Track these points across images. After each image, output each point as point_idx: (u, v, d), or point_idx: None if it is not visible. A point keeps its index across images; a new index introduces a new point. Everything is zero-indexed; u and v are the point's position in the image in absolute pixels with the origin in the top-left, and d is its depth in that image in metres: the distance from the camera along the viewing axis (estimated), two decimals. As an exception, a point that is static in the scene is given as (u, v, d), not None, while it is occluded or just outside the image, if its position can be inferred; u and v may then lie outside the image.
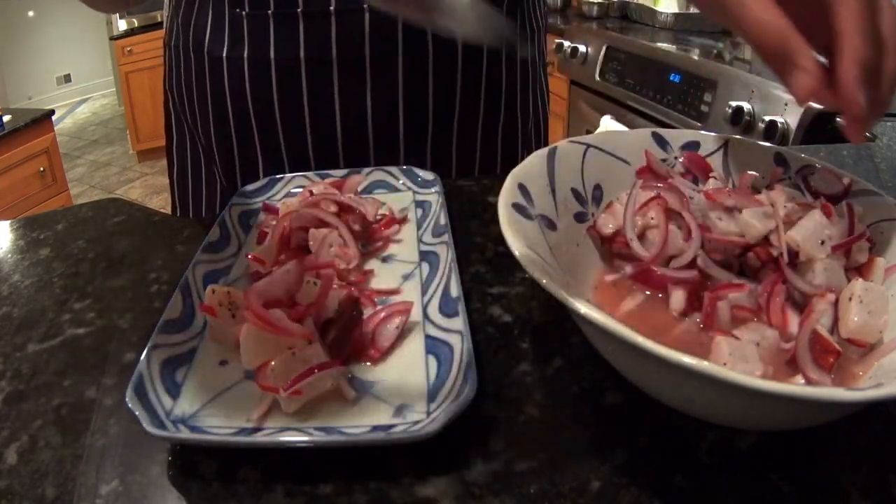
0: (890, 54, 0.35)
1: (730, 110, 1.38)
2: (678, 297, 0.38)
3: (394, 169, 0.59)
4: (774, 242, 0.38)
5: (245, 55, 0.62)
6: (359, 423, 0.33)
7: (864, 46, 0.34)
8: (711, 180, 0.44)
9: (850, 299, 0.35)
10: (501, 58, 0.68)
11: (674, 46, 1.71)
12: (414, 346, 0.39)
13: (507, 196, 0.38)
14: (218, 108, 0.65)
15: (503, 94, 0.70)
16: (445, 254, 0.45)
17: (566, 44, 2.02)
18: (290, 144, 0.65)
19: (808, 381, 0.33)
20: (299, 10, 0.59)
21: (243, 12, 0.61)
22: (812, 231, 0.37)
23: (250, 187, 0.56)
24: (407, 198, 0.56)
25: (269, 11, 0.60)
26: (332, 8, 0.59)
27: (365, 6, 0.59)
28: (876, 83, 0.35)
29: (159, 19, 3.80)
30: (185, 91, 0.68)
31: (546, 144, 0.80)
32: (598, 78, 1.89)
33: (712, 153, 0.46)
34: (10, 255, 0.53)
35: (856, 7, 0.35)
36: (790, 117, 1.28)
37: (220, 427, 0.33)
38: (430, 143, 0.67)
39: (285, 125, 0.64)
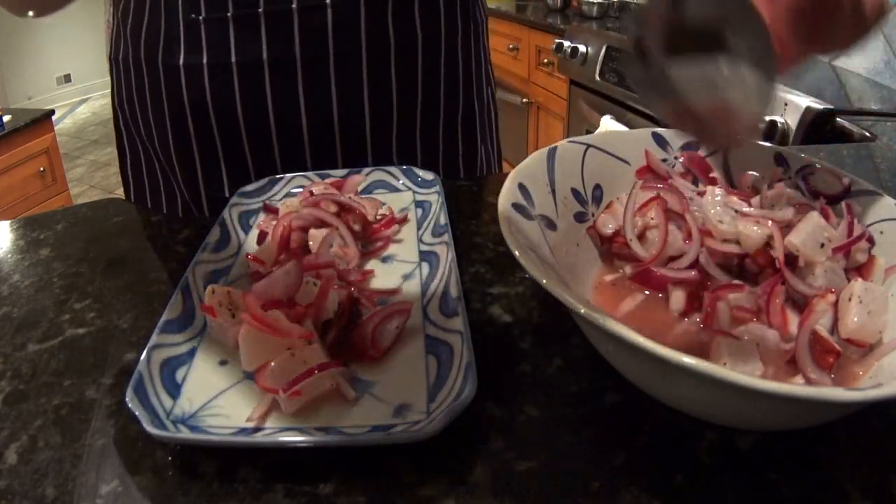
0: None
1: (729, 110, 1.38)
2: (678, 297, 0.38)
3: (394, 169, 0.59)
4: (773, 248, 0.38)
5: (204, 61, 0.59)
6: (359, 423, 0.33)
7: None
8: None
9: (850, 300, 0.35)
10: (457, 48, 0.68)
11: (674, 46, 1.70)
12: (414, 346, 0.39)
13: (507, 196, 0.38)
14: (176, 120, 0.63)
15: (461, 84, 0.70)
16: (445, 254, 0.45)
17: (566, 44, 2.01)
18: (255, 148, 0.63)
19: (808, 381, 0.33)
20: (260, 9, 0.58)
21: (200, 17, 0.58)
22: (811, 234, 0.37)
23: (250, 187, 0.56)
24: (407, 198, 0.56)
25: (229, 14, 0.58)
26: (293, 6, 0.58)
27: (327, 1, 0.58)
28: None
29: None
30: (139, 106, 0.65)
31: (498, 135, 0.81)
32: (598, 78, 1.88)
33: (712, 153, 0.46)
34: (10, 255, 0.53)
35: None
36: (790, 117, 1.27)
37: (220, 427, 0.33)
38: (396, 136, 0.67)
39: (249, 130, 0.62)
